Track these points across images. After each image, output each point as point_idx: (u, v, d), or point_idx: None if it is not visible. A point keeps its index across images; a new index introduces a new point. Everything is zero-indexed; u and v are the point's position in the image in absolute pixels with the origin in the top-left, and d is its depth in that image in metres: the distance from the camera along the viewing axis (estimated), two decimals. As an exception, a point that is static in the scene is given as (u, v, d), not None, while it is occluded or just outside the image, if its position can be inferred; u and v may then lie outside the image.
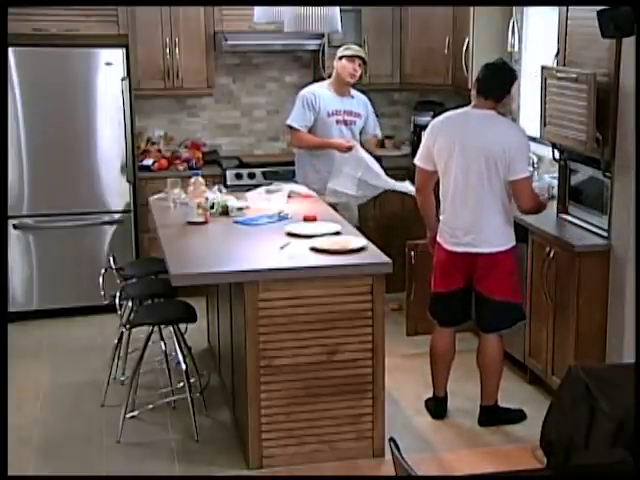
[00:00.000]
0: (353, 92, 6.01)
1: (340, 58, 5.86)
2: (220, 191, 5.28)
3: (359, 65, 5.85)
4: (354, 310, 4.18)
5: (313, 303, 4.13)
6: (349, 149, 5.71)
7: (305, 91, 5.93)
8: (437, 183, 4.63)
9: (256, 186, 5.74)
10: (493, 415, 4.69)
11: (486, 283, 4.50)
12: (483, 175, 4.38)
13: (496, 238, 4.46)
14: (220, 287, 4.91)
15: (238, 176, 6.64)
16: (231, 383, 4.71)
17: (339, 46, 6.04)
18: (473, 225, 4.44)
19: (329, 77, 6.07)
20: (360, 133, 6.03)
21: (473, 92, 4.57)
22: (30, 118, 6.12)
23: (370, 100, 6.12)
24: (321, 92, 5.91)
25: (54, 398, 5.07)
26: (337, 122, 5.89)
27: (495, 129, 4.42)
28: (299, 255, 4.25)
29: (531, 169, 4.94)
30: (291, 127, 5.90)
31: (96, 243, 6.34)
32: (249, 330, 4.09)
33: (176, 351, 4.63)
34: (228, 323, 4.68)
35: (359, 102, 6.02)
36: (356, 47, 5.97)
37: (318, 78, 6.97)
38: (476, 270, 4.50)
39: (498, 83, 4.50)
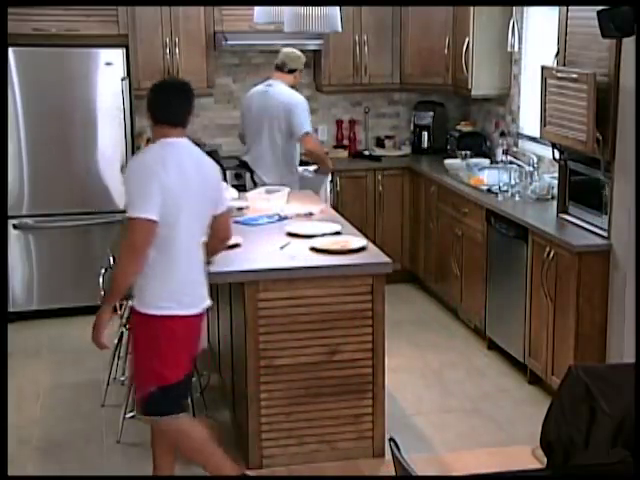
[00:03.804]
0: None
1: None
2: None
3: None
4: (354, 310, 4.18)
5: (313, 303, 4.13)
6: None
7: (300, 95, 5.84)
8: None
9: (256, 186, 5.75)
10: None
11: None
12: None
13: None
14: (220, 287, 4.91)
15: (238, 176, 6.63)
16: (231, 383, 4.70)
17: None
18: None
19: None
20: None
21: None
22: (30, 118, 6.11)
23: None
24: None
25: (54, 398, 5.07)
26: None
27: None
28: (299, 255, 4.25)
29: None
30: (308, 133, 5.77)
31: (96, 243, 6.33)
32: (249, 330, 4.09)
33: (176, 351, 4.62)
34: (228, 323, 4.68)
35: None
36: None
37: (318, 78, 6.98)
38: None
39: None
